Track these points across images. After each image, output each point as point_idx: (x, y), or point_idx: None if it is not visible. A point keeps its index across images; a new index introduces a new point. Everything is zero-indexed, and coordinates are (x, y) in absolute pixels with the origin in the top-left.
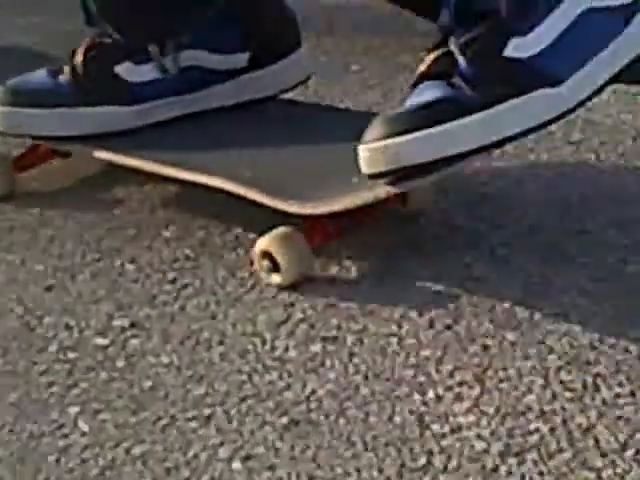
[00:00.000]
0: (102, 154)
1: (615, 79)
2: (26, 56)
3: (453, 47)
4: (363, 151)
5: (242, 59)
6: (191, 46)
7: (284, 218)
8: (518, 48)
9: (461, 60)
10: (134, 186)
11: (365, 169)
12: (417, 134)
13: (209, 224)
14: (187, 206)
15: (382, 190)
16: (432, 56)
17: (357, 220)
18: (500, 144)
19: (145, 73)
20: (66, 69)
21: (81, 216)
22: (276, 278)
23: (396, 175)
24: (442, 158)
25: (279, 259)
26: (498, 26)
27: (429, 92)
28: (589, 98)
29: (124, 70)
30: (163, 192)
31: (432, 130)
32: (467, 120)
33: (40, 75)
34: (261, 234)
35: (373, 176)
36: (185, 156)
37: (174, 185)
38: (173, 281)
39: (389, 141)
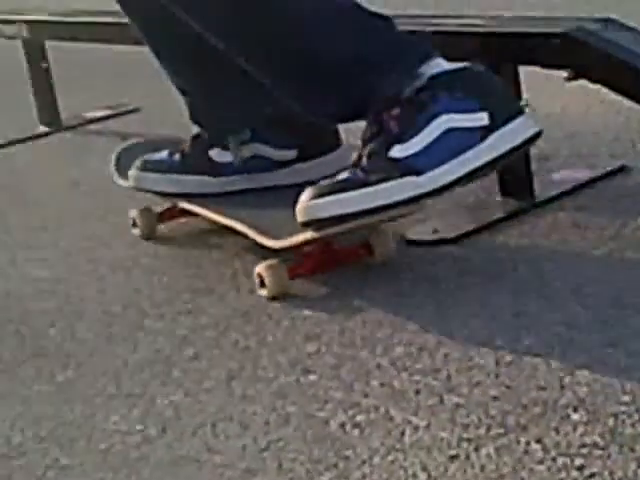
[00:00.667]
0: (186, 205)
1: (479, 172)
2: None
3: (364, 150)
4: (297, 207)
5: (291, 154)
6: (254, 140)
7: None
8: (399, 151)
9: (363, 157)
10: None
11: (298, 219)
12: (324, 199)
13: (620, 410)
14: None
15: (314, 233)
16: (355, 155)
17: (333, 262)
18: (380, 210)
19: (227, 157)
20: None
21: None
22: (263, 291)
23: (316, 224)
24: (338, 215)
25: (265, 279)
26: (388, 138)
27: (343, 174)
28: (450, 185)
29: (214, 154)
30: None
31: (333, 197)
32: (356, 193)
33: (163, 153)
34: (264, 259)
35: (302, 224)
36: (234, 211)
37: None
38: (580, 468)
39: (311, 202)
